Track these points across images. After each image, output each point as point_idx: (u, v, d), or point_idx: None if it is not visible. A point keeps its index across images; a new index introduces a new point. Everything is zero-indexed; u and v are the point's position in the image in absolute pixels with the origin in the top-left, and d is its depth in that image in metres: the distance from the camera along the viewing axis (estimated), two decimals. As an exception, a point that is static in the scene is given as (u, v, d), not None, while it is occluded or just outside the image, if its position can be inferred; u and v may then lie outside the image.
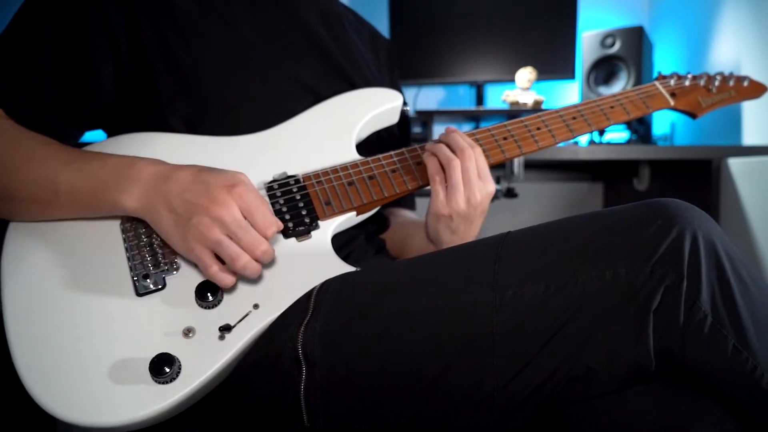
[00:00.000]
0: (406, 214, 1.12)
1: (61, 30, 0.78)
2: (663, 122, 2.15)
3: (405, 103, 0.97)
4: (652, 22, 2.33)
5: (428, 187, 0.86)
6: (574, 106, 0.96)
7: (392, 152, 0.86)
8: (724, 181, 1.59)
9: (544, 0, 2.13)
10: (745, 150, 1.64)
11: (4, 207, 0.74)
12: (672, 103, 1.03)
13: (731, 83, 1.09)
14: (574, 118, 0.95)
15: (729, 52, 1.88)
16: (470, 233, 0.86)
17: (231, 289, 0.69)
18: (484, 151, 0.86)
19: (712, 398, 0.56)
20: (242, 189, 0.67)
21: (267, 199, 0.78)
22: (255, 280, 0.70)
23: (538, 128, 0.92)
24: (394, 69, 1.15)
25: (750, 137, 1.78)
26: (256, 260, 0.68)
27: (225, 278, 0.67)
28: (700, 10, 2.04)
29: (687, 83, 1.07)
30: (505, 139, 0.90)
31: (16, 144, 0.73)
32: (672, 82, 1.06)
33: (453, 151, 0.82)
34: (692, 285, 0.55)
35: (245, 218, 0.67)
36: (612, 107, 0.98)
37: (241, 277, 0.69)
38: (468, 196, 0.81)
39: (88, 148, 0.79)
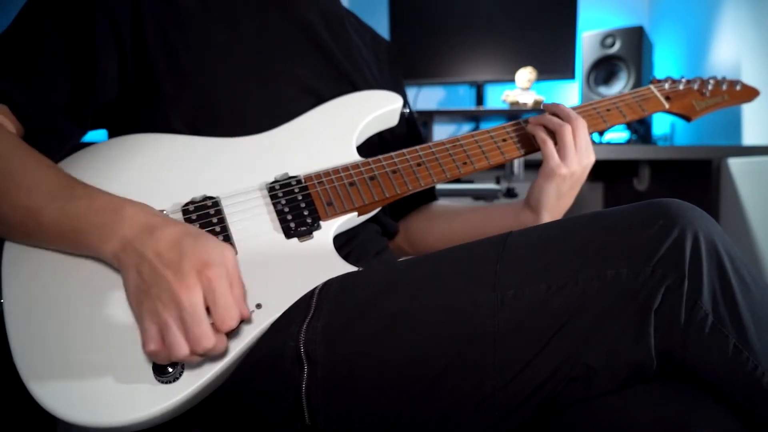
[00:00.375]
0: (450, 205, 1.12)
1: (66, 29, 0.78)
2: (663, 122, 2.15)
3: (405, 105, 0.97)
4: (652, 22, 2.33)
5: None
6: (572, 109, 0.97)
7: (392, 153, 0.86)
8: (724, 181, 1.60)
9: (544, 0, 2.13)
10: (745, 150, 1.64)
11: None
12: (667, 106, 1.05)
13: (724, 87, 1.11)
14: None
15: (729, 52, 1.88)
16: (569, 201, 0.93)
17: None
18: (482, 152, 0.89)
19: (713, 398, 0.56)
20: (214, 273, 0.61)
21: (269, 199, 0.78)
22: (258, 280, 0.70)
23: None
24: (398, 71, 1.15)
25: (750, 137, 1.79)
26: (198, 354, 0.62)
27: (158, 359, 0.62)
28: (700, 10, 2.05)
29: (681, 87, 1.08)
30: (504, 140, 0.92)
31: (6, 165, 0.69)
32: (667, 85, 1.08)
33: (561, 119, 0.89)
34: (693, 285, 0.56)
35: (207, 305, 0.62)
36: (608, 110, 1.00)
37: (242, 276, 0.69)
38: (580, 158, 0.88)
39: (89, 149, 0.79)
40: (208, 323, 0.61)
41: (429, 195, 1.13)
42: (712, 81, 1.10)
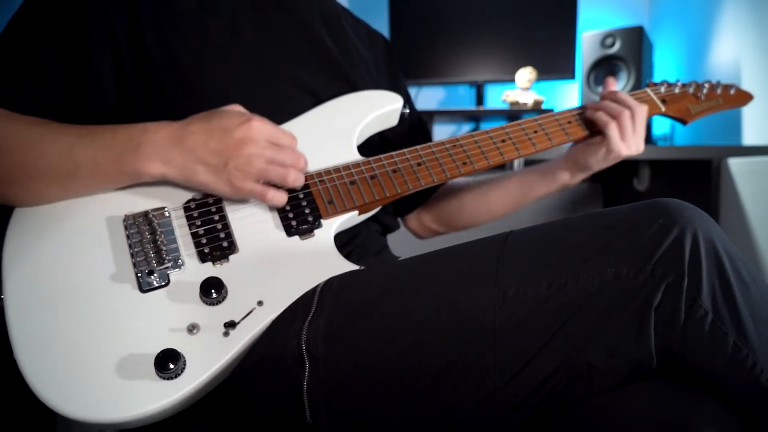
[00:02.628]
0: (472, 180, 1.14)
1: (61, 31, 0.78)
2: (663, 122, 2.15)
3: (405, 105, 0.97)
4: (652, 22, 2.33)
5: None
6: (569, 110, 0.99)
7: (393, 153, 0.87)
8: (724, 181, 1.60)
9: (544, 0, 2.13)
10: (745, 150, 1.64)
11: (26, 187, 0.73)
12: (663, 109, 1.06)
13: (719, 91, 1.12)
14: (569, 122, 0.98)
15: (729, 52, 1.89)
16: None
17: (235, 286, 0.70)
18: (482, 152, 0.90)
19: (712, 395, 0.57)
20: (256, 121, 0.73)
21: None
22: (259, 277, 0.71)
23: (535, 131, 0.95)
24: (396, 68, 1.15)
25: (750, 137, 1.79)
26: (300, 171, 0.76)
27: (283, 197, 0.76)
28: (700, 11, 2.05)
29: (677, 90, 1.10)
30: (503, 141, 0.92)
31: (24, 124, 0.73)
32: (663, 89, 1.09)
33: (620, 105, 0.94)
34: (693, 283, 0.56)
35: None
36: None
37: (244, 274, 0.69)
38: (638, 143, 0.94)
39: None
40: (287, 149, 0.75)
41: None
42: (707, 85, 1.11)
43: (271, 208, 0.78)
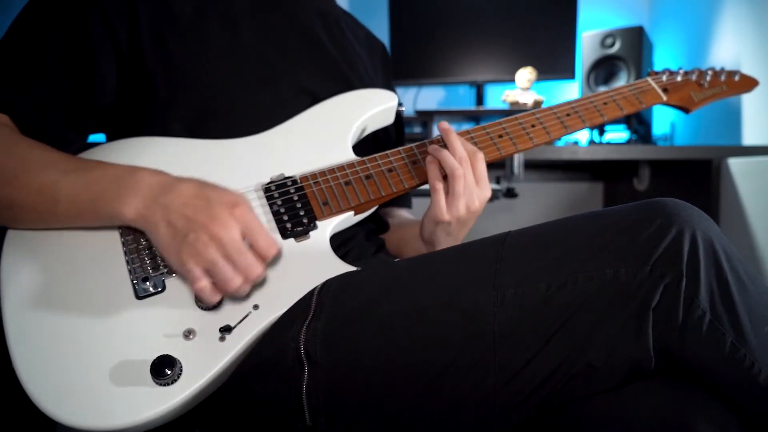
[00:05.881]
0: (403, 214, 1.12)
1: (64, 35, 0.78)
2: (663, 122, 2.15)
3: (400, 104, 0.97)
4: (652, 22, 2.33)
5: (425, 187, 0.86)
6: (568, 103, 0.97)
7: (388, 152, 0.86)
8: (724, 181, 1.59)
9: (544, 0, 2.13)
10: (745, 150, 1.64)
11: (5, 214, 0.72)
12: (664, 98, 1.05)
13: (722, 78, 1.10)
14: (568, 114, 0.96)
15: (729, 52, 1.88)
16: (462, 234, 0.88)
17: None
18: (479, 148, 0.87)
19: (710, 395, 0.57)
20: (244, 209, 0.67)
21: (265, 200, 0.78)
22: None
23: (533, 125, 0.93)
24: (389, 73, 1.16)
25: (750, 137, 1.78)
26: (248, 283, 0.67)
27: (213, 297, 0.66)
28: (700, 10, 2.04)
29: (679, 79, 1.08)
30: (500, 137, 0.91)
31: (15, 151, 0.72)
32: (664, 77, 1.08)
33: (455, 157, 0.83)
34: (691, 283, 0.56)
35: (245, 239, 0.66)
36: (605, 103, 0.99)
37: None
38: (467, 203, 0.83)
39: (86, 152, 0.79)
40: (251, 254, 0.66)
41: (402, 199, 1.13)
42: (710, 72, 1.10)
43: (266, 210, 0.77)
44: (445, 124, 0.86)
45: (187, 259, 0.64)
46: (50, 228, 0.73)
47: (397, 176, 0.85)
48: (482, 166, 0.84)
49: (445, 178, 0.84)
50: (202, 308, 0.68)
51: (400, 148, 0.87)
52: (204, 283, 0.65)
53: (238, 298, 0.69)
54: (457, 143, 0.84)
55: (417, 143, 0.88)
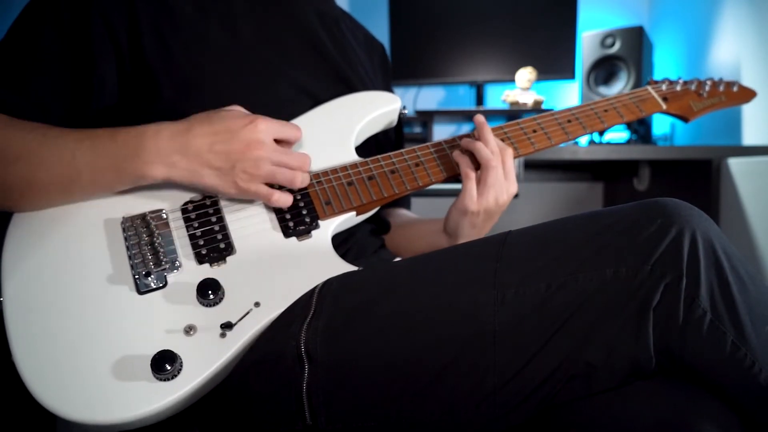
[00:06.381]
0: (407, 213, 1.12)
1: (64, 36, 0.78)
2: (663, 122, 2.15)
3: (403, 107, 0.97)
4: (652, 22, 2.33)
5: (427, 189, 0.86)
6: (569, 109, 0.98)
7: (391, 153, 0.86)
8: (724, 181, 1.60)
9: (544, 0, 2.13)
10: (745, 150, 1.64)
11: (27, 196, 0.72)
12: (664, 107, 1.06)
13: (721, 88, 1.12)
14: (569, 121, 0.97)
15: (729, 52, 1.88)
16: (487, 228, 0.91)
17: (232, 287, 0.70)
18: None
19: (711, 394, 0.57)
20: (261, 121, 0.73)
21: None
22: (256, 278, 0.70)
23: (534, 131, 0.94)
24: (388, 74, 1.16)
25: (750, 137, 1.79)
26: (306, 173, 0.76)
27: (288, 199, 0.76)
28: (700, 10, 2.05)
29: (678, 88, 1.10)
30: (502, 140, 0.92)
31: (22, 130, 0.72)
32: (664, 86, 1.09)
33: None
34: (691, 283, 0.56)
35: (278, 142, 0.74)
36: (606, 111, 1.00)
37: (241, 275, 0.69)
38: (497, 195, 0.86)
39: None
40: (292, 152, 0.75)
41: (401, 200, 1.13)
42: (709, 82, 1.11)
43: (269, 209, 0.77)
44: (480, 117, 0.89)
45: (248, 185, 0.73)
46: (68, 203, 0.74)
47: (399, 178, 0.85)
48: (511, 162, 0.88)
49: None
50: (203, 304, 0.68)
51: (402, 150, 0.87)
52: (277, 195, 0.75)
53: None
54: (491, 136, 0.87)
55: (419, 146, 0.88)
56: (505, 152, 0.87)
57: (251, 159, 0.71)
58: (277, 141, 0.76)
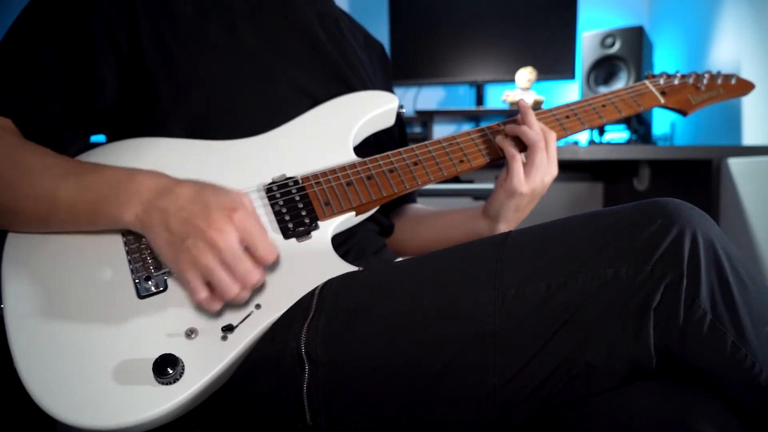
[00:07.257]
0: (423, 207, 1.12)
1: (64, 37, 0.78)
2: (663, 122, 2.15)
3: (401, 106, 0.97)
4: (652, 22, 2.33)
5: (427, 187, 0.86)
6: (567, 105, 0.98)
7: (389, 153, 0.86)
8: (724, 181, 1.60)
9: (544, 0, 2.13)
10: (745, 150, 1.64)
11: (8, 219, 0.72)
12: (662, 101, 1.06)
13: (719, 81, 1.12)
14: (567, 117, 0.97)
15: (729, 52, 1.88)
16: (527, 211, 0.94)
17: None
18: (479, 150, 0.90)
19: (711, 395, 0.57)
20: (243, 214, 0.65)
21: (267, 200, 0.78)
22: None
23: None
24: (388, 74, 1.16)
25: (750, 137, 1.79)
26: (246, 290, 0.66)
27: (212, 306, 0.65)
28: (700, 10, 2.05)
29: (676, 82, 1.09)
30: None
31: (15, 158, 0.71)
32: (662, 80, 1.09)
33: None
34: (692, 283, 0.56)
35: (244, 245, 0.64)
36: (604, 106, 1.00)
37: None
38: (543, 176, 0.89)
39: (87, 153, 0.79)
40: (249, 260, 0.64)
41: (407, 196, 1.13)
42: (707, 75, 1.11)
43: (267, 211, 0.77)
44: (524, 101, 0.92)
45: (185, 267, 0.63)
46: (53, 231, 0.72)
47: (398, 177, 0.85)
48: (554, 144, 0.90)
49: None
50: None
51: (401, 149, 0.87)
52: (202, 295, 0.64)
53: (238, 303, 0.68)
54: (535, 119, 0.90)
55: (417, 144, 0.89)
56: (549, 134, 0.90)
57: (204, 240, 0.62)
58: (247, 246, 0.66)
